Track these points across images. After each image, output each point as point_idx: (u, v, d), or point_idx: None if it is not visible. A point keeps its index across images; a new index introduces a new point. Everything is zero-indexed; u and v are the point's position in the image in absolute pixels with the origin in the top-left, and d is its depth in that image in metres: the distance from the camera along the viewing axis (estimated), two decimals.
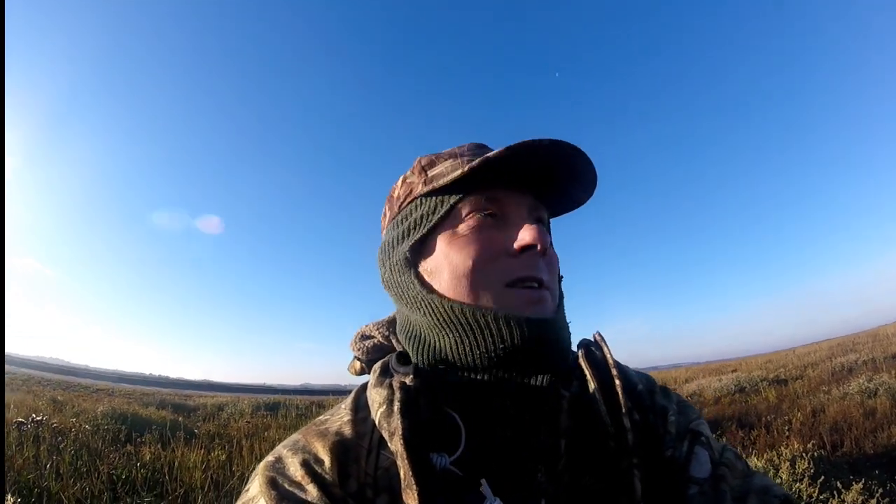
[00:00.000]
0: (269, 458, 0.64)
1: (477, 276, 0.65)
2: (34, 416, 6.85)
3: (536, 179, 0.71)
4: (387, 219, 0.80)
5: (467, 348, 0.64)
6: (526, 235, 0.66)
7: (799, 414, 7.88)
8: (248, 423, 10.46)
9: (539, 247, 0.66)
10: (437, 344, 0.67)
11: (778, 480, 4.75)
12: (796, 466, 4.92)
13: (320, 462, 0.61)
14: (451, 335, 0.66)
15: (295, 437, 0.67)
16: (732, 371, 16.81)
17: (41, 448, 5.90)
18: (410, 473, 0.53)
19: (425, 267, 0.71)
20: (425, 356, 0.69)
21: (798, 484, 4.55)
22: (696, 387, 13.55)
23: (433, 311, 0.67)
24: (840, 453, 6.03)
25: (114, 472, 5.37)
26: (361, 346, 0.82)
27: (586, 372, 0.69)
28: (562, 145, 0.64)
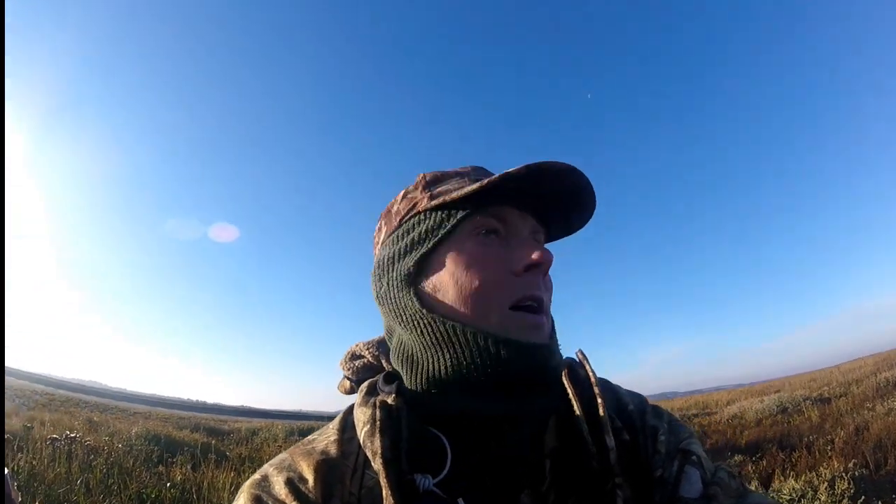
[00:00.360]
0: (256, 476, 0.65)
1: (483, 297, 0.64)
2: (68, 432, 7.06)
3: (540, 202, 0.70)
4: (382, 234, 0.77)
5: (464, 371, 0.62)
6: (531, 254, 0.65)
7: (841, 432, 7.54)
8: (280, 447, 10.51)
9: (543, 265, 0.65)
10: (431, 366, 0.65)
11: (816, 502, 4.56)
12: (836, 487, 4.70)
13: (304, 481, 0.61)
14: (447, 355, 0.63)
15: (282, 455, 0.67)
16: (776, 392, 16.11)
17: (73, 464, 6.08)
18: (390, 494, 0.53)
19: (428, 284, 0.68)
20: (418, 380, 0.67)
21: None
22: (738, 409, 13.08)
23: (431, 330, 0.65)
24: (884, 472, 5.72)
25: (143, 490, 5.50)
26: (351, 365, 0.82)
27: (569, 391, 0.68)
28: (575, 172, 0.64)
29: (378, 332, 0.82)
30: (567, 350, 0.77)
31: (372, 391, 0.71)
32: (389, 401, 0.63)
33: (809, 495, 4.68)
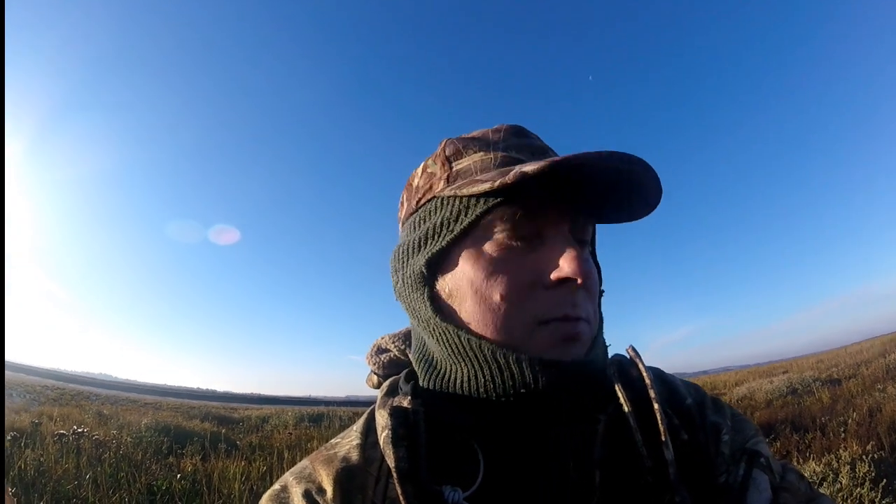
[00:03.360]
0: (276, 486, 0.61)
1: (507, 313, 0.55)
2: (75, 427, 7.08)
3: (587, 192, 0.57)
4: (404, 211, 0.69)
5: (481, 387, 0.56)
6: (565, 266, 0.54)
7: (854, 414, 7.49)
8: (291, 434, 10.59)
9: (580, 280, 0.54)
10: (451, 374, 0.59)
11: (838, 485, 4.51)
12: (856, 470, 4.65)
13: (322, 492, 0.56)
14: (465, 369, 0.57)
15: (303, 463, 0.63)
16: (783, 372, 16.08)
17: (81, 459, 6.09)
18: None
19: (443, 286, 0.60)
20: (436, 384, 0.61)
21: (859, 489, 4.30)
22: (747, 390, 13.05)
23: (447, 341, 0.58)
24: None
25: (153, 483, 5.50)
26: (377, 359, 0.76)
27: (620, 395, 0.58)
28: (615, 159, 0.51)
29: (399, 322, 0.77)
30: (617, 346, 0.68)
31: (392, 391, 0.64)
32: (405, 404, 0.56)
33: (830, 478, 4.63)
